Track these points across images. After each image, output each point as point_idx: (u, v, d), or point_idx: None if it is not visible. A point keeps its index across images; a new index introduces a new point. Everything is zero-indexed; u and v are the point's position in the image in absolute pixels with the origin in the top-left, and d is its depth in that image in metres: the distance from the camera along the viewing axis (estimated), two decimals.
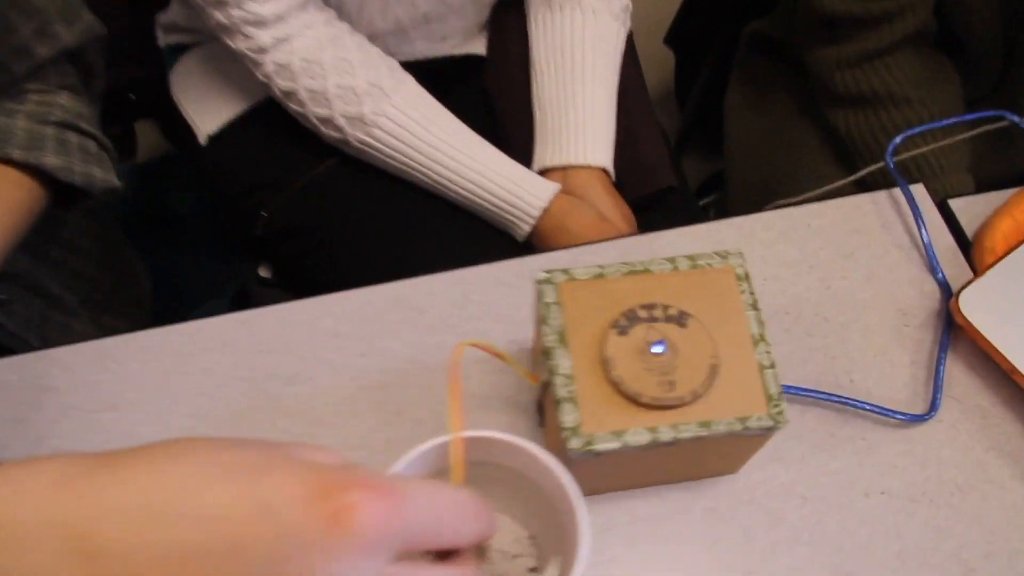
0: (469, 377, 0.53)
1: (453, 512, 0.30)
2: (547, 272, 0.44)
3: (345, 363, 0.54)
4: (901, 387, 0.54)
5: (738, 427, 0.41)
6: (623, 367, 0.41)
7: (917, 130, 0.60)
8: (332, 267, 0.78)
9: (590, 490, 0.50)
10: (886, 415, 0.51)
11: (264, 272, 0.90)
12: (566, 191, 0.74)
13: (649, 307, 0.43)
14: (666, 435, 0.41)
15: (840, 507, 0.50)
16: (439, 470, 0.40)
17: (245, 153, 0.81)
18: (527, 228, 0.74)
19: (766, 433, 0.42)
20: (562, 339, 0.42)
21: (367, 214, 0.77)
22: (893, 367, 0.54)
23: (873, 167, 0.71)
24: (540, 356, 0.44)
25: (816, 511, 0.50)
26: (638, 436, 0.41)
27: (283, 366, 0.54)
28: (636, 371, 0.41)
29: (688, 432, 0.41)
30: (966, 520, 0.49)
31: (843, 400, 0.52)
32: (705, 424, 0.41)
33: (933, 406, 0.52)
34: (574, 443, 0.41)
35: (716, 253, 0.45)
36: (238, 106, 0.80)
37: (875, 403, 0.52)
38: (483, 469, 0.41)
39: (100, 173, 0.60)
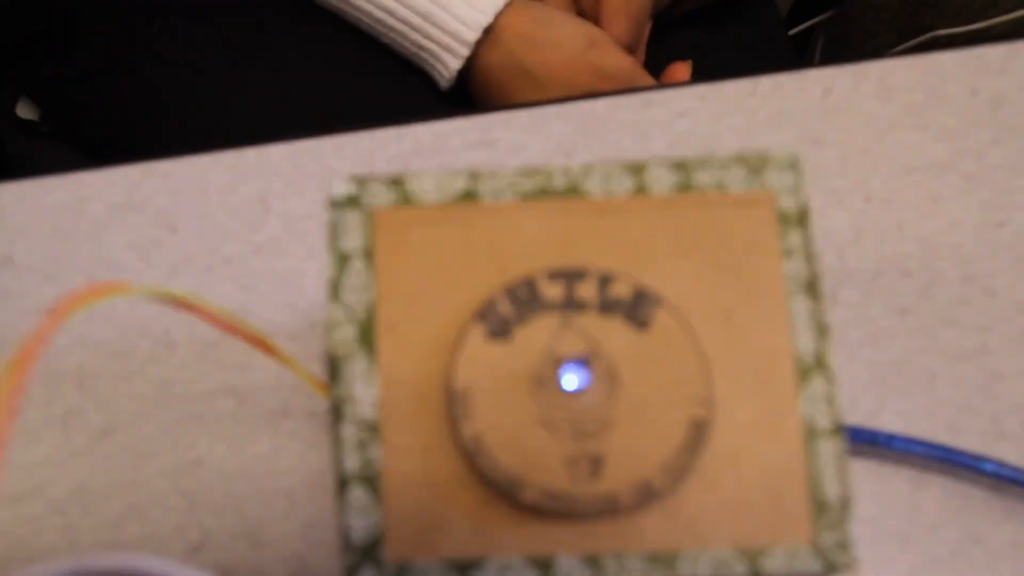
0: (253, 366, 0.45)
1: None
2: (356, 180, 0.34)
3: (12, 323, 0.46)
4: None
5: (740, 570, 0.31)
6: (492, 415, 0.32)
7: None
8: (108, 108, 0.75)
9: None
10: None
11: (27, 112, 0.85)
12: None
13: (569, 277, 0.33)
14: None
15: None
16: None
17: None
18: (453, 64, 0.67)
19: None
20: (366, 338, 0.33)
21: (169, 20, 0.73)
22: None
23: None
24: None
25: None
26: None
27: None
28: (519, 424, 0.32)
29: None
30: None
31: (1007, 473, 0.42)
32: (664, 560, 0.31)
33: None
34: None
35: (740, 158, 0.34)
36: None
37: None
38: None
39: None
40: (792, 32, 1.24)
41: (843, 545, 0.31)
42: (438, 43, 0.67)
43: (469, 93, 0.72)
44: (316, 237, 0.47)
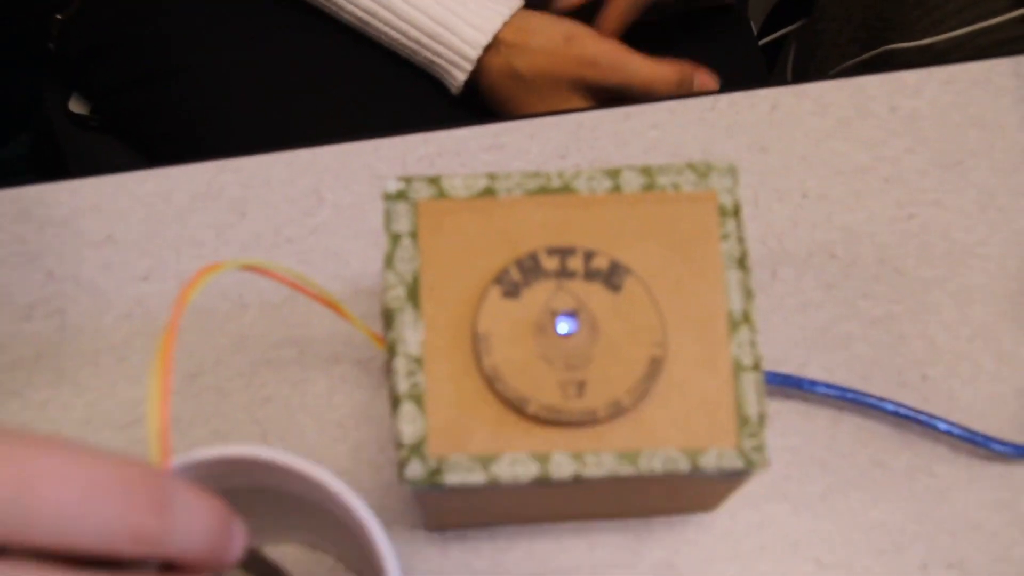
0: (311, 323, 0.51)
1: (74, 486, 0.26)
2: (403, 180, 0.40)
3: (117, 289, 0.51)
4: (1008, 395, 0.50)
5: (684, 465, 0.38)
6: (505, 352, 0.38)
7: None
8: (161, 114, 0.76)
9: (466, 522, 0.48)
10: (975, 442, 0.47)
11: (78, 107, 0.86)
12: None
13: (563, 253, 0.39)
14: (564, 469, 0.37)
15: None
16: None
17: None
18: (460, 76, 0.69)
19: (733, 478, 0.39)
20: (412, 296, 0.39)
21: (215, 32, 0.74)
22: (999, 361, 0.50)
23: None
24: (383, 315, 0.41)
25: None
26: (518, 467, 0.37)
27: (19, 288, 0.51)
28: (526, 360, 0.38)
29: (601, 467, 0.37)
30: None
31: (904, 411, 0.48)
32: (629, 457, 0.38)
33: None
34: (412, 471, 0.37)
35: (690, 166, 0.41)
36: None
37: (959, 421, 0.48)
38: (275, 500, 0.40)
39: None
40: (764, 41, 1.22)
41: (759, 449, 0.37)
42: (446, 59, 0.68)
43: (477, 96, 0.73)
44: (360, 222, 0.52)
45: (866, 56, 0.81)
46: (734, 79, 0.78)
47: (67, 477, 0.26)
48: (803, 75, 1.09)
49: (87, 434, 0.48)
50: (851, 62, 0.83)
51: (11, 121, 0.99)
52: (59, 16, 0.76)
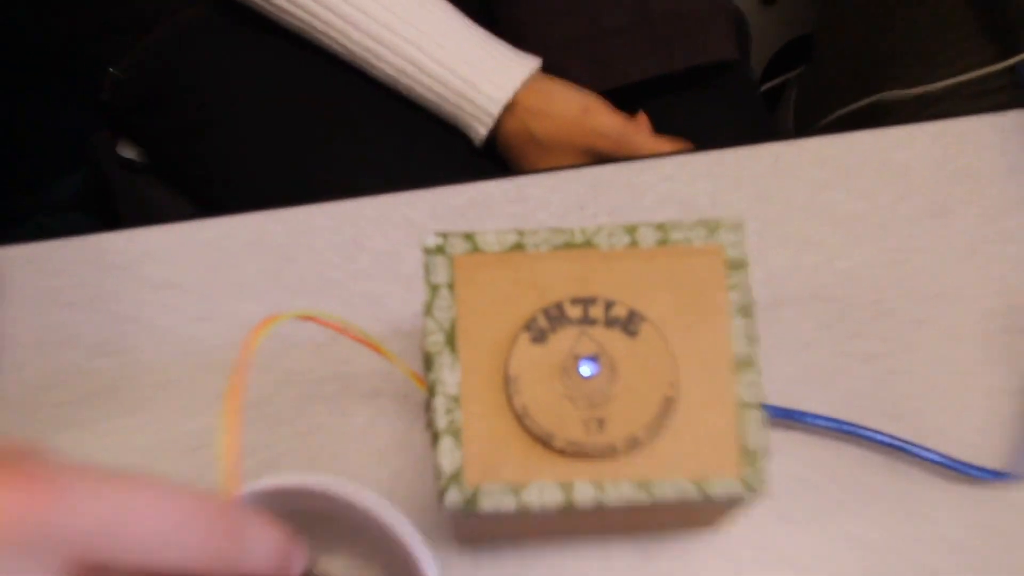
0: (353, 360, 0.53)
1: (165, 519, 0.30)
2: (441, 235, 0.43)
3: (176, 329, 0.54)
4: (986, 426, 0.52)
5: (692, 493, 0.40)
6: (533, 392, 0.40)
7: None
8: (206, 161, 0.77)
9: (493, 537, 0.50)
10: (955, 469, 0.50)
11: (126, 151, 0.89)
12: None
13: (585, 302, 0.42)
14: (586, 496, 0.40)
15: None
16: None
17: None
18: (482, 131, 0.71)
19: (735, 503, 0.42)
20: (450, 342, 0.41)
21: (257, 85, 0.75)
22: (979, 395, 0.53)
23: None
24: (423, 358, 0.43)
25: None
26: (545, 495, 0.40)
27: (87, 328, 0.54)
28: (552, 399, 0.40)
29: (619, 495, 0.40)
30: None
31: (893, 442, 0.50)
32: (644, 486, 0.40)
33: None
34: (451, 497, 0.40)
35: (701, 223, 0.43)
36: None
37: (941, 450, 0.51)
38: (324, 519, 0.42)
39: None
40: (767, 86, 1.23)
41: (759, 478, 0.39)
42: (470, 114, 0.70)
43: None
44: (397, 267, 0.54)
45: (863, 102, 0.82)
46: (738, 127, 0.81)
47: (160, 510, 0.30)
48: (802, 118, 1.09)
49: (153, 460, 0.51)
50: (848, 108, 0.84)
51: (62, 161, 1.01)
52: (112, 70, 0.77)
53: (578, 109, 0.70)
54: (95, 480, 0.29)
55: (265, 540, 0.33)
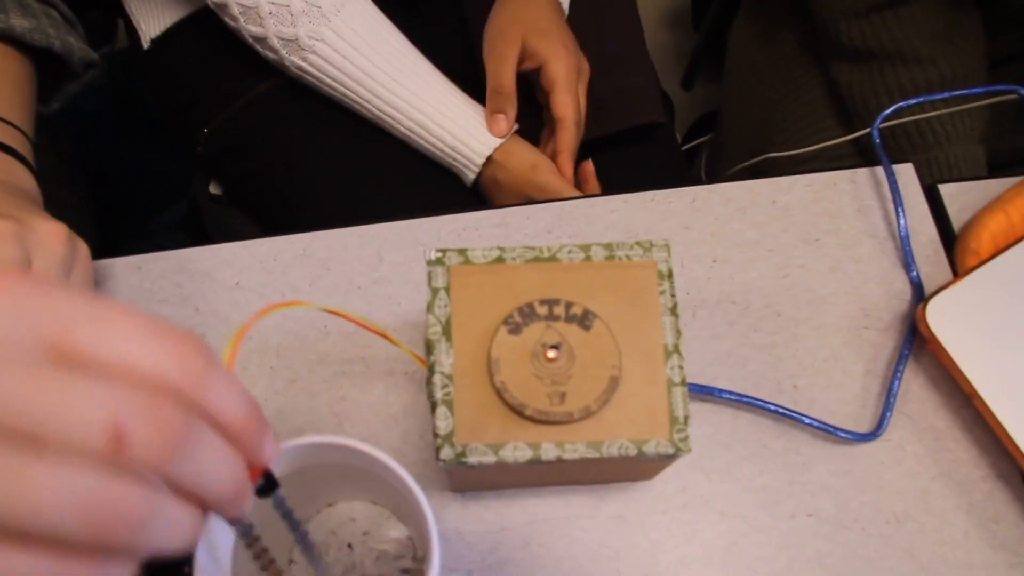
0: (372, 345, 0.49)
1: (140, 324, 0.22)
2: (440, 251, 0.39)
3: (242, 320, 0.50)
4: (851, 398, 0.49)
5: (632, 451, 0.37)
6: (510, 372, 0.37)
7: (912, 102, 0.53)
8: (272, 195, 0.74)
9: (480, 486, 0.46)
10: (827, 431, 0.46)
11: (215, 189, 0.84)
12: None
13: (550, 303, 0.38)
14: (549, 454, 0.37)
15: (761, 528, 0.45)
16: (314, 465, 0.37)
17: (187, 62, 0.74)
18: (471, 176, 0.68)
19: (666, 459, 0.38)
20: (446, 332, 0.38)
21: (310, 141, 0.71)
22: (845, 375, 0.49)
23: (864, 132, 0.64)
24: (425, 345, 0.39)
25: (733, 529, 0.45)
26: (517, 452, 0.37)
27: (177, 319, 0.50)
28: (524, 377, 0.37)
29: (575, 453, 0.37)
30: (898, 553, 0.45)
31: (781, 411, 0.47)
32: (595, 446, 0.37)
33: (880, 424, 0.47)
34: (445, 453, 0.37)
35: (638, 243, 0.39)
36: (182, 8, 0.73)
37: (818, 416, 0.47)
38: (348, 470, 0.38)
39: (76, 42, 0.54)
40: (685, 147, 1.23)
41: (684, 440, 0.36)
42: (460, 164, 0.67)
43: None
44: (408, 275, 0.50)
45: (755, 160, 0.80)
46: (665, 175, 0.78)
47: (136, 318, 0.22)
48: (712, 170, 1.08)
49: None
50: (744, 164, 0.82)
51: (170, 195, 0.98)
52: (205, 130, 0.74)
53: (528, 166, 0.66)
54: (74, 287, 0.22)
55: (236, 388, 0.24)
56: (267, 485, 0.27)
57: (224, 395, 0.23)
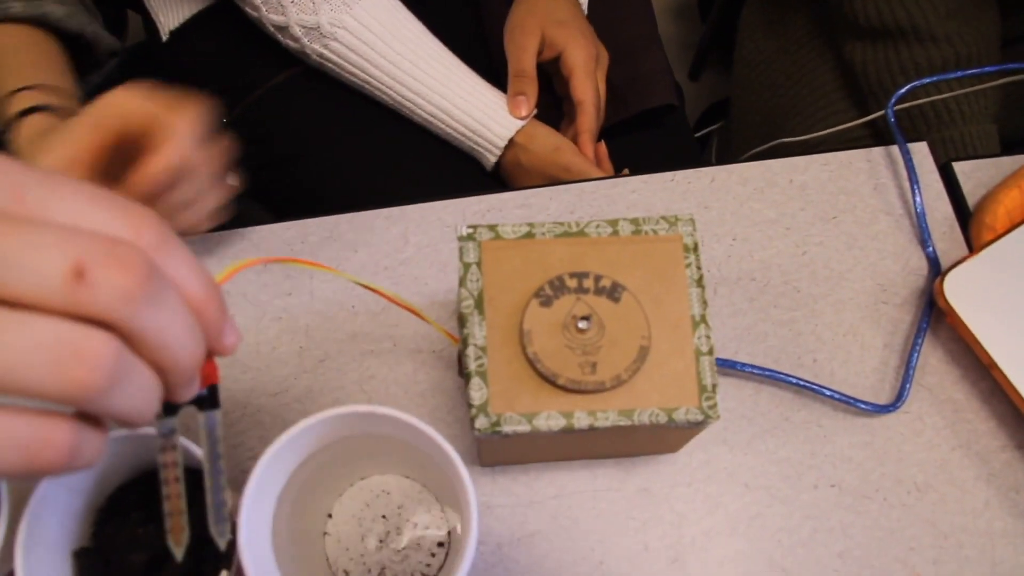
0: (401, 324, 0.50)
1: (86, 190, 0.20)
2: (471, 227, 0.40)
3: (270, 301, 0.51)
4: (870, 371, 0.49)
5: (663, 419, 0.37)
6: (542, 343, 0.37)
7: (927, 80, 0.53)
8: (291, 185, 0.74)
9: (509, 460, 0.47)
10: (848, 403, 0.47)
11: (232, 180, 0.85)
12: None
13: (579, 276, 0.39)
14: (582, 422, 0.37)
15: (784, 499, 0.46)
16: (338, 439, 0.37)
17: (205, 54, 0.75)
18: (492, 159, 0.68)
19: (695, 427, 0.38)
20: (479, 305, 0.38)
21: (329, 130, 0.72)
22: (863, 349, 0.50)
23: (878, 113, 0.64)
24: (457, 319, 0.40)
25: (757, 501, 0.46)
26: (551, 421, 0.37)
27: None
28: (556, 348, 0.37)
29: (607, 421, 0.37)
30: (920, 522, 0.46)
31: (802, 383, 0.47)
32: (626, 413, 0.37)
33: (900, 396, 0.47)
34: (480, 423, 0.37)
35: (664, 218, 0.40)
36: (200, 0, 0.74)
37: (837, 389, 0.48)
38: (382, 443, 0.39)
39: (103, 31, 0.56)
40: (696, 135, 1.23)
41: (713, 407, 0.37)
42: (482, 148, 0.67)
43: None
44: (433, 256, 0.51)
45: (765, 146, 0.80)
46: (679, 159, 0.78)
47: (91, 187, 0.21)
48: (723, 158, 1.08)
49: (250, 400, 0.47)
50: (754, 151, 0.82)
51: None
52: (224, 119, 0.75)
53: (551, 147, 0.66)
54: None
55: (197, 265, 0.22)
56: (210, 398, 0.25)
57: (182, 268, 0.22)
